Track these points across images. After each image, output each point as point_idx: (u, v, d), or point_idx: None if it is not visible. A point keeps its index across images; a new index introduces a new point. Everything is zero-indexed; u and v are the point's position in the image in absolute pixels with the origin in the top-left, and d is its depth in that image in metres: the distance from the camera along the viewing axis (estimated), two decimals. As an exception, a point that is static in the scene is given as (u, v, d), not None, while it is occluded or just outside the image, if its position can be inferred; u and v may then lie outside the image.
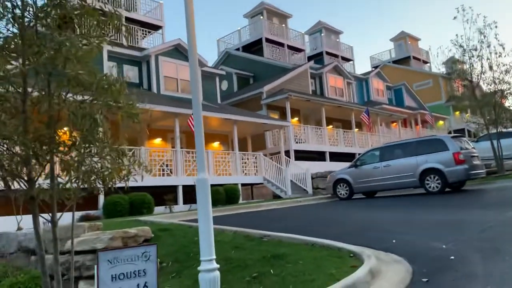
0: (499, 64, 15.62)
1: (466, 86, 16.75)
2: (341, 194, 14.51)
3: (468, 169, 12.03)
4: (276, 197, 17.84)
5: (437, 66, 16.79)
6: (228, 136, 20.19)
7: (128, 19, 21.42)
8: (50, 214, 3.98)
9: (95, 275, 3.37)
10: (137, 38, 21.84)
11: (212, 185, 14.97)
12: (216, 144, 20.27)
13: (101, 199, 13.03)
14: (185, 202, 15.07)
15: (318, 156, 22.87)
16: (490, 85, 16.05)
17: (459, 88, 19.36)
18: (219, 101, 21.59)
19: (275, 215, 10.72)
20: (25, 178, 3.77)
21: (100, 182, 4.27)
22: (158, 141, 17.78)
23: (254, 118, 18.26)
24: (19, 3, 3.77)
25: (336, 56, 35.65)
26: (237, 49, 30.54)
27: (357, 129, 26.23)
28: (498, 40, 15.55)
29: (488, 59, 15.63)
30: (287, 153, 20.63)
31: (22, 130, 3.62)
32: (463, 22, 15.70)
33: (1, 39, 3.74)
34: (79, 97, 4.08)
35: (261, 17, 30.06)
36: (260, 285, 4.58)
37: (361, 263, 4.76)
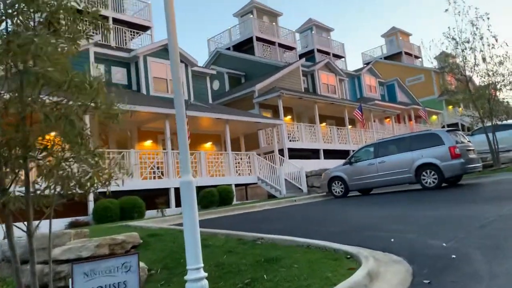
0: (492, 56, 15.48)
1: (459, 80, 16.58)
2: (336, 192, 14.29)
3: (464, 163, 11.85)
4: (271, 196, 17.60)
5: (429, 60, 16.67)
6: (221, 136, 19.92)
7: (116, 20, 21.11)
8: (26, 223, 3.72)
9: (70, 289, 3.10)
10: (125, 39, 21.51)
11: (205, 187, 14.73)
12: (208, 144, 19.99)
13: (91, 204, 12.70)
14: (177, 205, 14.76)
15: (312, 154, 22.66)
16: (484, 78, 15.90)
17: (452, 82, 19.22)
18: (210, 101, 21.31)
19: (269, 216, 10.48)
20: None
21: (79, 188, 4.00)
22: (148, 143, 17.47)
23: (246, 117, 18.00)
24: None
25: (327, 53, 35.47)
26: (228, 49, 30.27)
27: (350, 126, 26.06)
28: (491, 32, 15.45)
29: (481, 51, 15.49)
30: (281, 151, 20.40)
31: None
32: (455, 15, 15.56)
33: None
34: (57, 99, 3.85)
35: (251, 15, 29.80)
36: (253, 292, 4.32)
37: (359, 265, 4.53)
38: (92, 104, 4.15)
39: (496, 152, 15.12)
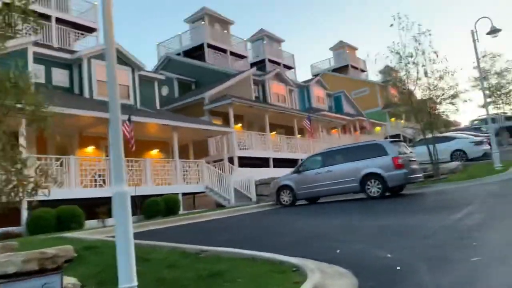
0: (433, 71, 16.19)
1: (402, 93, 17.19)
2: (284, 201, 14.25)
3: (407, 173, 12.20)
4: (220, 206, 17.29)
5: (374, 72, 17.09)
6: (169, 143, 19.35)
7: (59, 20, 20.08)
8: None
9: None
10: (69, 40, 20.49)
11: (150, 196, 14.11)
12: (155, 151, 19.35)
13: (24, 214, 11.79)
14: (120, 214, 14.10)
15: (262, 162, 22.61)
16: (425, 91, 16.57)
17: (396, 95, 19.93)
18: (158, 106, 20.72)
19: (215, 226, 10.19)
20: None
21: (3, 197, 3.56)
22: (91, 149, 16.62)
23: (195, 124, 17.63)
24: None
25: (278, 63, 35.86)
26: (178, 54, 29.75)
27: (299, 135, 26.36)
28: (432, 48, 16.08)
29: (423, 65, 16.14)
30: (230, 160, 20.17)
31: None
32: (399, 30, 16.13)
33: None
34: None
35: (203, 22, 29.53)
36: (193, 310, 4.05)
37: (305, 278, 4.38)
38: (19, 105, 3.74)
39: (436, 163, 15.76)
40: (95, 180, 14.02)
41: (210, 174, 18.04)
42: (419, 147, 19.15)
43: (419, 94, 17.19)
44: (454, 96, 16.49)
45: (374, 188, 12.33)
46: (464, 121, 60.89)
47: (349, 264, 4.90)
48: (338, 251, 5.68)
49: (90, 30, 21.72)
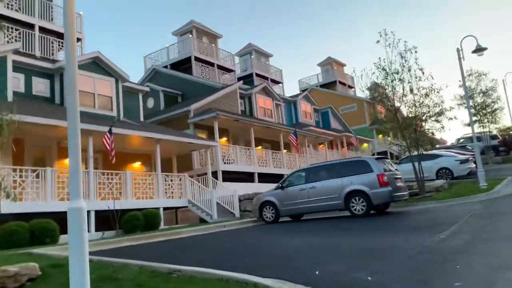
0: (419, 88, 16.18)
1: (389, 109, 17.14)
2: (267, 217, 13.94)
3: (392, 191, 12.01)
4: (202, 221, 16.89)
5: (361, 88, 17.04)
6: (152, 156, 18.96)
7: (43, 29, 19.75)
8: None
9: None
10: (52, 50, 20.13)
11: (129, 210, 13.67)
12: (137, 164, 18.93)
13: (-6, 227, 11.27)
14: (98, 229, 13.64)
15: (247, 177, 22.32)
16: (411, 108, 16.53)
17: (382, 112, 19.91)
18: (142, 118, 20.36)
19: (193, 243, 9.83)
20: None
21: None
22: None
23: (178, 137, 17.28)
24: None
25: (266, 78, 35.86)
26: (165, 67, 29.54)
27: (285, 150, 26.16)
28: (418, 65, 16.09)
29: (409, 82, 16.13)
30: (214, 174, 19.84)
31: None
32: (386, 46, 16.15)
33: None
34: None
35: (191, 35, 29.43)
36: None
37: (279, 303, 4.09)
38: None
39: (421, 180, 15.63)
40: (73, 193, 13.54)
41: (193, 188, 17.66)
42: (404, 164, 19.08)
43: (405, 111, 17.17)
44: (439, 113, 16.48)
45: (358, 206, 12.11)
46: (450, 139, 61.54)
47: (327, 286, 4.62)
48: (317, 272, 5.39)
49: (75, 40, 21.39)
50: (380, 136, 41.37)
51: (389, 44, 16.09)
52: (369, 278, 4.85)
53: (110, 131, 13.67)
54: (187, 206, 17.44)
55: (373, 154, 37.19)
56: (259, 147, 25.14)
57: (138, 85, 20.99)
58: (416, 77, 16.04)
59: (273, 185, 16.08)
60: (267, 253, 7.52)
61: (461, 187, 16.02)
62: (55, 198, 13.18)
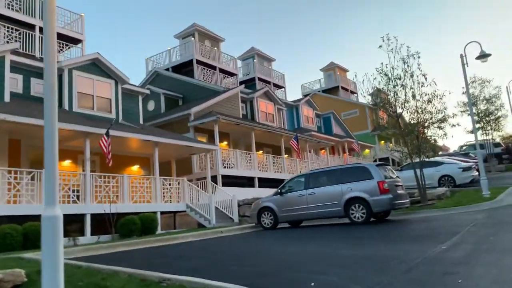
0: (421, 94, 15.91)
1: (391, 115, 16.90)
2: (265, 223, 13.69)
3: (392, 198, 11.75)
4: (200, 226, 16.66)
5: (362, 94, 16.77)
6: (150, 160, 18.77)
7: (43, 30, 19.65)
8: None
9: None
10: (53, 51, 20.00)
11: (126, 214, 13.46)
12: (135, 167, 18.74)
13: (-12, 231, 11.08)
14: (93, 233, 13.44)
15: (247, 181, 22.10)
16: (413, 114, 16.27)
17: (384, 118, 19.67)
18: (141, 121, 20.18)
19: (188, 250, 9.60)
20: None
21: None
22: (67, 163, 15.98)
23: (178, 141, 17.08)
24: None
25: (268, 82, 35.69)
26: (167, 69, 29.40)
27: (286, 155, 25.94)
28: (421, 70, 15.83)
29: (411, 88, 15.86)
30: (214, 178, 19.63)
31: None
32: (388, 51, 15.91)
33: None
34: None
35: (193, 38, 29.30)
36: None
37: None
38: None
39: (423, 188, 15.36)
40: (68, 196, 13.36)
41: (191, 192, 17.44)
42: (406, 171, 18.80)
43: (407, 117, 16.93)
44: (442, 120, 16.22)
45: (358, 213, 11.86)
46: (453, 146, 61.22)
47: (321, 301, 4.40)
48: (312, 284, 5.16)
49: (76, 41, 21.31)
50: (382, 142, 41.08)
51: (392, 49, 15.87)
52: (366, 291, 4.62)
53: (107, 134, 13.49)
54: (185, 211, 17.22)
55: (375, 160, 36.90)
56: (260, 152, 24.93)
57: (138, 88, 20.84)
58: (418, 83, 15.79)
59: (274, 190, 15.87)
60: (262, 262, 7.29)
61: (464, 195, 15.74)
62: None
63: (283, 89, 38.27)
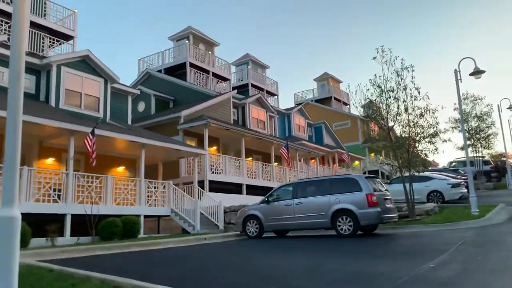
0: (414, 107, 15.78)
1: (382, 128, 16.74)
2: (250, 232, 13.39)
3: (381, 212, 11.52)
4: (184, 231, 16.30)
5: (354, 104, 16.60)
6: (137, 161, 18.40)
7: (35, 25, 19.28)
8: None
9: None
10: (43, 46, 19.63)
11: (108, 216, 13.05)
12: (121, 168, 18.34)
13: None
14: (73, 234, 13.02)
15: (235, 188, 21.78)
16: (405, 128, 16.12)
17: (375, 130, 19.52)
18: (129, 121, 19.81)
19: (168, 257, 9.27)
20: None
21: None
22: (50, 161, 15.55)
23: (164, 143, 16.74)
24: None
25: (261, 89, 35.56)
26: (160, 71, 29.09)
27: (276, 163, 25.69)
28: (414, 84, 15.71)
29: (404, 101, 15.72)
30: (201, 183, 19.28)
31: None
32: (382, 63, 15.77)
33: None
34: None
35: (187, 41, 29.07)
36: None
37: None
38: None
39: (412, 203, 15.18)
40: (49, 195, 12.95)
41: (176, 197, 17.08)
42: (395, 184, 18.67)
43: (398, 130, 16.79)
44: (433, 135, 16.09)
45: (345, 226, 11.61)
46: (442, 162, 61.50)
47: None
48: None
49: (67, 37, 20.97)
50: (372, 154, 41.08)
51: (386, 61, 15.75)
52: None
53: (92, 132, 13.14)
54: (169, 215, 16.84)
55: (364, 172, 36.82)
56: (250, 158, 24.66)
57: (128, 87, 20.48)
58: (411, 96, 15.66)
59: (261, 198, 15.59)
60: (242, 273, 6.99)
61: (452, 212, 15.60)
62: (31, 199, 12.56)
63: (276, 97, 38.15)
